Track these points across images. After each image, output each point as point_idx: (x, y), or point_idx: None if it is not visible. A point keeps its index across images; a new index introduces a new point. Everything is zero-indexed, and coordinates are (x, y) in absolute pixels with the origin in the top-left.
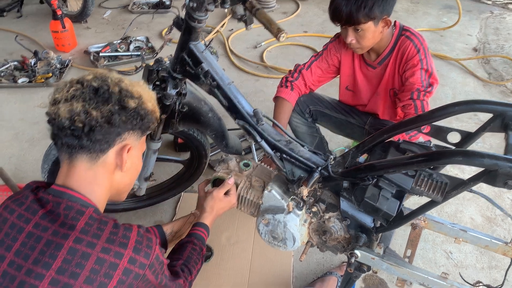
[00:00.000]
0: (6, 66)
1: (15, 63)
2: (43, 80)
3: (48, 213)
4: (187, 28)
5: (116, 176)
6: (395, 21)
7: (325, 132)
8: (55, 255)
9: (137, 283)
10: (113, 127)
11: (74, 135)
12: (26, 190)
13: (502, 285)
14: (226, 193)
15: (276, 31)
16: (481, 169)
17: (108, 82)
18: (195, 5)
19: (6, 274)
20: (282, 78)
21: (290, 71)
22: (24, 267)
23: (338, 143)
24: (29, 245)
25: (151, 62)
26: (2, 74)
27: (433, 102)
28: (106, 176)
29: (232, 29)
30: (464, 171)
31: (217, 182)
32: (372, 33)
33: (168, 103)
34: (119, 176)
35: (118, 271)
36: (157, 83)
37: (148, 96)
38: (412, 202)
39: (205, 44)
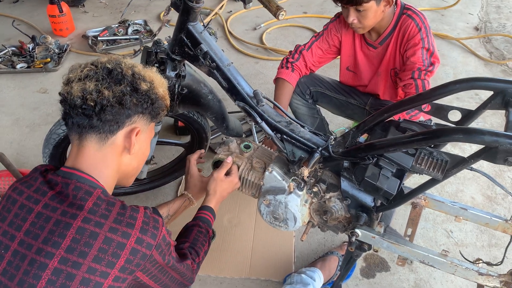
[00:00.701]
0: (4, 52)
1: (13, 48)
2: (41, 65)
3: (57, 194)
4: (185, 8)
5: (124, 159)
6: (396, 0)
7: (325, 113)
8: (64, 234)
9: (144, 263)
10: (123, 108)
11: (85, 114)
12: (34, 173)
13: (501, 262)
14: (227, 174)
15: (275, 10)
16: (482, 146)
17: (121, 66)
18: None
19: (17, 253)
20: (283, 59)
21: (290, 51)
22: (34, 246)
23: (339, 124)
24: (39, 225)
25: (150, 45)
26: (0, 60)
27: (433, 82)
28: (115, 158)
29: (231, 11)
30: (464, 151)
31: (218, 165)
32: (374, 13)
33: (167, 85)
34: (127, 159)
35: (126, 250)
36: (156, 65)
37: (160, 82)
38: (412, 182)
39: (203, 25)
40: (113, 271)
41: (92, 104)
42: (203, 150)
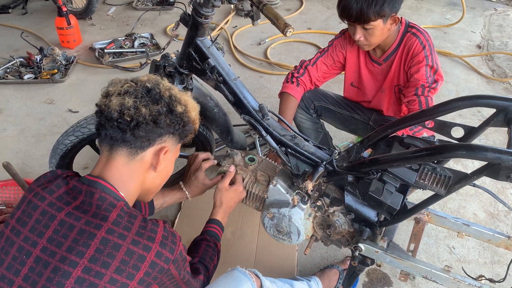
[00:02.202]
0: (12, 63)
1: (21, 59)
2: (48, 77)
3: (80, 204)
4: (193, 24)
5: (149, 175)
6: (401, 18)
7: (329, 128)
8: (88, 244)
9: (161, 277)
10: (157, 127)
11: (119, 128)
12: (56, 179)
13: (504, 279)
14: (231, 184)
15: (283, 26)
16: (484, 163)
17: (160, 86)
18: (202, 0)
19: (39, 260)
20: (288, 74)
21: (295, 66)
22: (58, 254)
23: (342, 139)
24: (62, 233)
25: (157, 58)
26: (8, 70)
27: (436, 99)
28: (141, 173)
29: (236, 26)
30: (466, 167)
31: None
32: (381, 31)
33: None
34: (152, 176)
35: (145, 263)
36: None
37: (193, 106)
38: (415, 198)
39: (211, 40)
40: (133, 282)
41: (128, 119)
42: (209, 153)
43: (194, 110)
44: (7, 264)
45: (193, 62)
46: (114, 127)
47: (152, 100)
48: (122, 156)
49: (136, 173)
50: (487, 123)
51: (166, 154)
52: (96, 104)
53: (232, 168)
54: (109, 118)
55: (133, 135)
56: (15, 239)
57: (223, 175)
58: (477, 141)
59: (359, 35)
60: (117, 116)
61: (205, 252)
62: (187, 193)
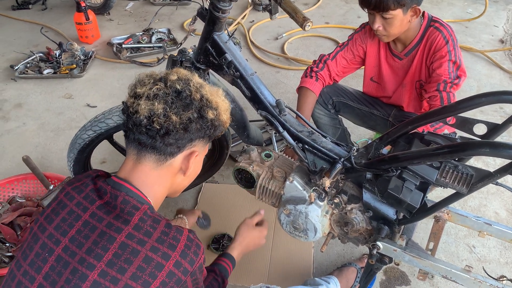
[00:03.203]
0: (32, 58)
1: (41, 54)
2: (67, 71)
3: (105, 204)
4: (211, 18)
5: (178, 178)
6: (423, 12)
7: (347, 124)
8: (107, 247)
9: None
10: (187, 133)
11: (148, 135)
12: (86, 178)
13: None
14: (258, 224)
15: (301, 20)
16: (508, 161)
17: (190, 87)
18: None
19: (60, 259)
20: (307, 68)
21: (314, 61)
22: (78, 255)
23: (360, 135)
24: (84, 233)
25: (174, 53)
26: (28, 65)
27: (458, 95)
28: (169, 178)
29: (253, 21)
30: (488, 165)
31: (240, 172)
32: (400, 21)
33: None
34: (180, 179)
35: (163, 272)
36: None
37: (224, 107)
38: (434, 195)
39: (228, 35)
40: None
41: (158, 127)
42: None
43: (225, 112)
44: (30, 260)
45: (210, 57)
46: (143, 133)
47: (183, 106)
48: (150, 161)
49: (164, 178)
50: (511, 120)
51: (196, 157)
52: (123, 103)
53: (262, 212)
54: (138, 124)
55: (163, 143)
56: (40, 235)
57: (253, 215)
58: (499, 138)
59: (378, 24)
60: (146, 123)
61: (210, 285)
62: (186, 221)
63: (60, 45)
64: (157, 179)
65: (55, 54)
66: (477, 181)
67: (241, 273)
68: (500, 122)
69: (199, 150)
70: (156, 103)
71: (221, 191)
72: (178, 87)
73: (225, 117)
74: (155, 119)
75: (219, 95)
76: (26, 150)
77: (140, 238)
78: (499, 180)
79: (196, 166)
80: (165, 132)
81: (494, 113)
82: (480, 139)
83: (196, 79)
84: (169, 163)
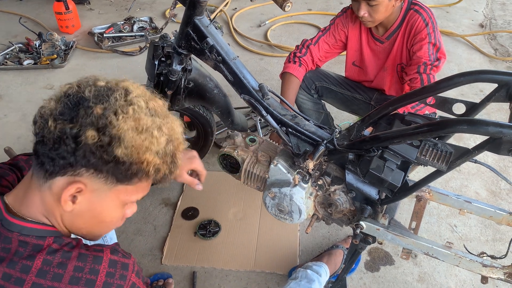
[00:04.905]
0: (11, 49)
1: (20, 45)
2: (48, 62)
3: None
4: (191, 2)
5: (63, 212)
6: None
7: (330, 108)
8: None
9: None
10: (60, 151)
11: (36, 137)
12: None
13: (505, 255)
14: None
15: (281, 1)
16: (485, 138)
17: (101, 100)
18: None
19: None
20: (290, 54)
21: (297, 46)
22: None
23: (343, 120)
24: None
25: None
26: (7, 56)
27: (438, 78)
28: (54, 206)
29: (236, 8)
30: (469, 146)
31: (225, 157)
32: (385, 7)
33: (174, 79)
34: (67, 215)
35: None
36: (163, 59)
37: (147, 144)
38: (416, 177)
39: (209, 19)
40: None
41: (37, 130)
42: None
43: (147, 151)
44: None
45: (192, 41)
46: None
47: (72, 116)
48: (36, 176)
49: (49, 205)
50: (488, 99)
51: (86, 195)
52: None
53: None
54: (34, 121)
55: (41, 150)
56: None
57: None
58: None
59: (363, 11)
60: (36, 119)
61: None
62: None
63: (39, 35)
64: (43, 204)
65: (35, 45)
66: (456, 158)
67: (228, 258)
68: None
69: (92, 187)
70: (53, 102)
71: (207, 178)
72: (85, 94)
73: (147, 156)
74: (40, 118)
75: (155, 125)
76: (8, 142)
77: (49, 286)
78: (479, 159)
79: (94, 208)
80: (41, 137)
81: (474, 96)
82: (459, 117)
83: (131, 96)
84: (48, 184)
